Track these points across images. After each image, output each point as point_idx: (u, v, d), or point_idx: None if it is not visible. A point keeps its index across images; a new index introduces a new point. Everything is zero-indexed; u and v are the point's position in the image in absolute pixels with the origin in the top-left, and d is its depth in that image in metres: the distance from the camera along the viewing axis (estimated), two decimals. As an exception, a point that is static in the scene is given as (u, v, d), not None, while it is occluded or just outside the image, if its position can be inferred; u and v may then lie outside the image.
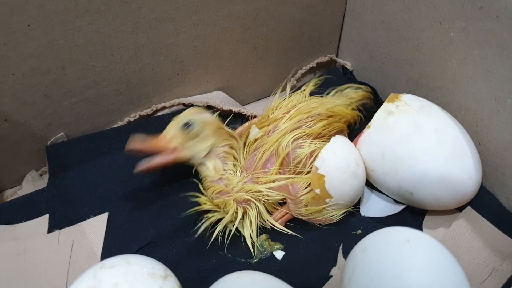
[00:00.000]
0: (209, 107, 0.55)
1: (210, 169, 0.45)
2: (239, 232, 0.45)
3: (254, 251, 0.44)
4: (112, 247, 0.44)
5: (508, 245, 0.43)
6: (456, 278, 0.34)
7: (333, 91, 0.54)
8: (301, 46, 0.59)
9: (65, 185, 0.48)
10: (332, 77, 0.60)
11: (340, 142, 0.46)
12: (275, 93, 0.51)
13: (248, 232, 0.44)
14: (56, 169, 0.49)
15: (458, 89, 0.48)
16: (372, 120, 0.47)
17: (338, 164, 0.44)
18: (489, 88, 0.44)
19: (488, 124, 0.46)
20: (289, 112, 0.48)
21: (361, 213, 0.48)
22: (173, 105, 0.55)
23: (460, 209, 0.46)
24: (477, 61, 0.45)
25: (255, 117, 0.55)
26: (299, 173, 0.45)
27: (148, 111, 0.54)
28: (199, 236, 0.45)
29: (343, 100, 0.52)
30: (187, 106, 0.55)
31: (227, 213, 0.44)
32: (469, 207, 0.46)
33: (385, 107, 0.47)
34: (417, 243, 0.36)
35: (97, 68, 0.48)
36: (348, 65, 0.62)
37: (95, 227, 0.45)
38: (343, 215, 0.45)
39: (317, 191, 0.44)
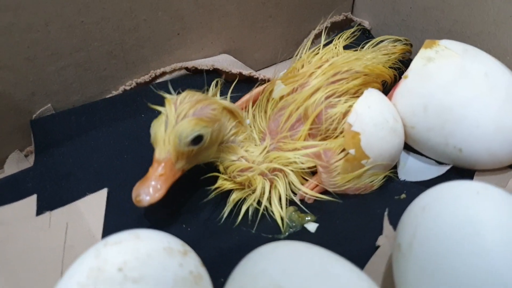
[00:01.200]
0: (215, 71, 0.48)
1: (227, 157, 0.39)
2: (260, 204, 0.38)
3: (283, 225, 0.38)
4: (114, 228, 0.36)
5: None
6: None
7: (368, 45, 0.47)
8: (313, 2, 0.53)
9: (54, 162, 0.41)
10: (364, 27, 0.55)
11: (375, 95, 0.40)
12: (305, 46, 0.45)
13: (276, 206, 0.38)
14: (44, 146, 0.42)
15: (502, 32, 0.42)
16: (408, 69, 0.40)
17: (375, 119, 0.38)
18: (542, 25, 0.39)
19: (542, 67, 0.40)
20: (321, 67, 0.41)
21: (400, 177, 0.41)
22: (174, 70, 0.48)
23: (513, 166, 0.40)
24: (527, -6, 0.39)
25: (268, 80, 0.49)
26: (331, 136, 0.39)
27: (146, 77, 0.47)
28: (216, 213, 0.38)
29: (380, 55, 0.45)
30: (190, 70, 0.48)
31: (253, 191, 0.38)
32: (524, 165, 0.40)
33: (422, 53, 0.40)
34: (489, 195, 0.30)
35: (87, 25, 0.41)
36: (366, 24, 0.55)
37: (93, 206, 0.38)
38: (384, 179, 0.39)
39: (352, 151, 0.37)
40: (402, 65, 0.47)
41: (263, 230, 0.38)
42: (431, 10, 0.48)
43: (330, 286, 0.26)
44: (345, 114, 0.39)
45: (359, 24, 0.56)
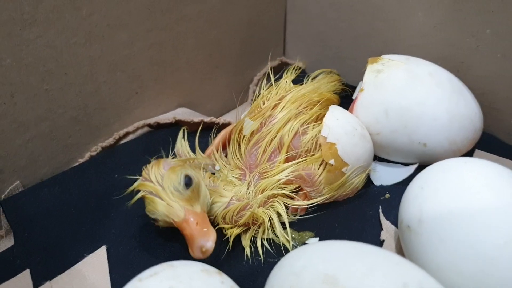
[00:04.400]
0: (177, 124, 0.49)
1: (219, 203, 0.39)
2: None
3: (290, 246, 0.38)
4: (122, 282, 0.34)
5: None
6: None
7: (310, 78, 0.51)
8: (253, 51, 0.57)
9: (38, 236, 0.39)
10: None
11: (338, 109, 0.43)
12: (261, 86, 0.47)
13: (281, 231, 0.39)
14: (20, 224, 0.40)
15: (430, 41, 0.48)
16: (362, 83, 0.44)
17: (345, 128, 0.41)
18: (463, 27, 0.45)
19: (470, 64, 0.46)
20: (282, 99, 0.44)
21: (375, 184, 0.44)
22: (137, 129, 0.49)
23: (470, 154, 0.45)
24: (445, 5, 0.45)
25: (229, 124, 0.50)
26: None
27: (110, 140, 0.47)
28: (219, 249, 0.38)
29: (324, 84, 0.50)
30: (153, 127, 0.49)
31: (259, 225, 0.39)
32: (477, 150, 0.45)
33: (370, 68, 0.45)
34: (476, 162, 0.33)
35: (51, 92, 0.41)
36: (301, 64, 0.60)
37: (95, 266, 0.37)
38: (365, 179, 0.42)
39: (331, 161, 0.40)
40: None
41: (266, 255, 0.38)
42: (360, 38, 0.53)
43: (375, 259, 0.27)
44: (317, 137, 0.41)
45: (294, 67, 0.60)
